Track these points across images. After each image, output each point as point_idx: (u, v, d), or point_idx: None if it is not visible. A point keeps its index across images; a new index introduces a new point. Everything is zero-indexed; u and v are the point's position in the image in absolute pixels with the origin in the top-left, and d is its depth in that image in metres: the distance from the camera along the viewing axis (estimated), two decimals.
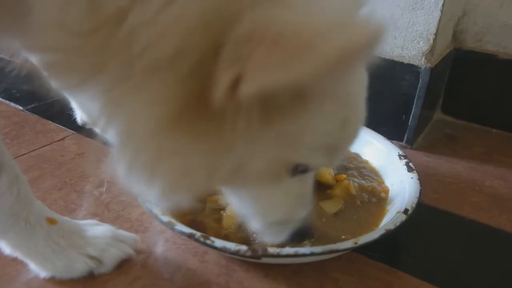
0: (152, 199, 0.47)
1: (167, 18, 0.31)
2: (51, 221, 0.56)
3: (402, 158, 0.75)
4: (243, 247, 0.54)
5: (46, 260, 0.56)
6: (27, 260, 0.57)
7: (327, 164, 0.49)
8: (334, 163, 0.47)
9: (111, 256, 0.59)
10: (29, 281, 0.57)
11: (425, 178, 0.83)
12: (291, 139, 0.40)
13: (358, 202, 0.70)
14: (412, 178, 0.70)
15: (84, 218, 0.69)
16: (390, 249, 0.65)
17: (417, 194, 0.65)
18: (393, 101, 0.92)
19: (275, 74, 0.28)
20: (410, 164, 0.73)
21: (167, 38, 0.31)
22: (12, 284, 0.57)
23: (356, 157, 0.82)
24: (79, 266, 0.57)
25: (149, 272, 0.60)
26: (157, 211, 0.60)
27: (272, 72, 0.28)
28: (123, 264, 0.60)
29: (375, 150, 0.81)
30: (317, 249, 0.54)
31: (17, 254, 0.56)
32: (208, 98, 0.32)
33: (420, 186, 0.67)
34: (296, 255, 0.54)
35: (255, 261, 0.58)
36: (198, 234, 0.56)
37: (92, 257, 0.58)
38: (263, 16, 0.30)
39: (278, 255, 0.53)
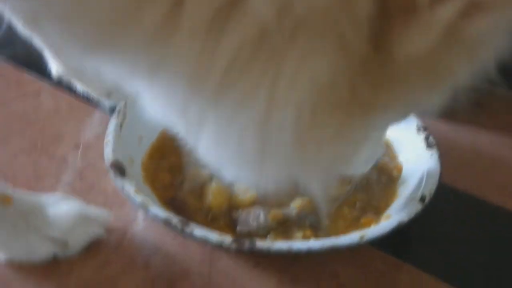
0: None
1: None
2: (5, 200, 0.47)
3: (422, 130, 0.65)
4: (228, 239, 0.46)
5: (2, 244, 0.49)
6: None
7: None
8: None
9: (78, 238, 0.51)
10: None
11: (443, 152, 0.73)
12: None
13: (365, 182, 0.61)
14: (432, 155, 0.60)
15: (53, 187, 0.61)
16: (398, 239, 0.56)
17: (437, 177, 0.55)
18: None
19: None
20: (431, 138, 0.63)
21: None
22: None
23: None
24: (41, 250, 0.49)
25: (121, 256, 0.53)
26: (129, 188, 0.51)
27: None
28: (93, 246, 0.53)
29: None
30: (315, 244, 0.46)
31: None
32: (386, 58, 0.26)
33: (441, 167, 0.57)
34: (289, 251, 0.45)
35: None
36: (175, 220, 0.47)
37: (55, 240, 0.50)
38: None
39: (268, 251, 0.45)
